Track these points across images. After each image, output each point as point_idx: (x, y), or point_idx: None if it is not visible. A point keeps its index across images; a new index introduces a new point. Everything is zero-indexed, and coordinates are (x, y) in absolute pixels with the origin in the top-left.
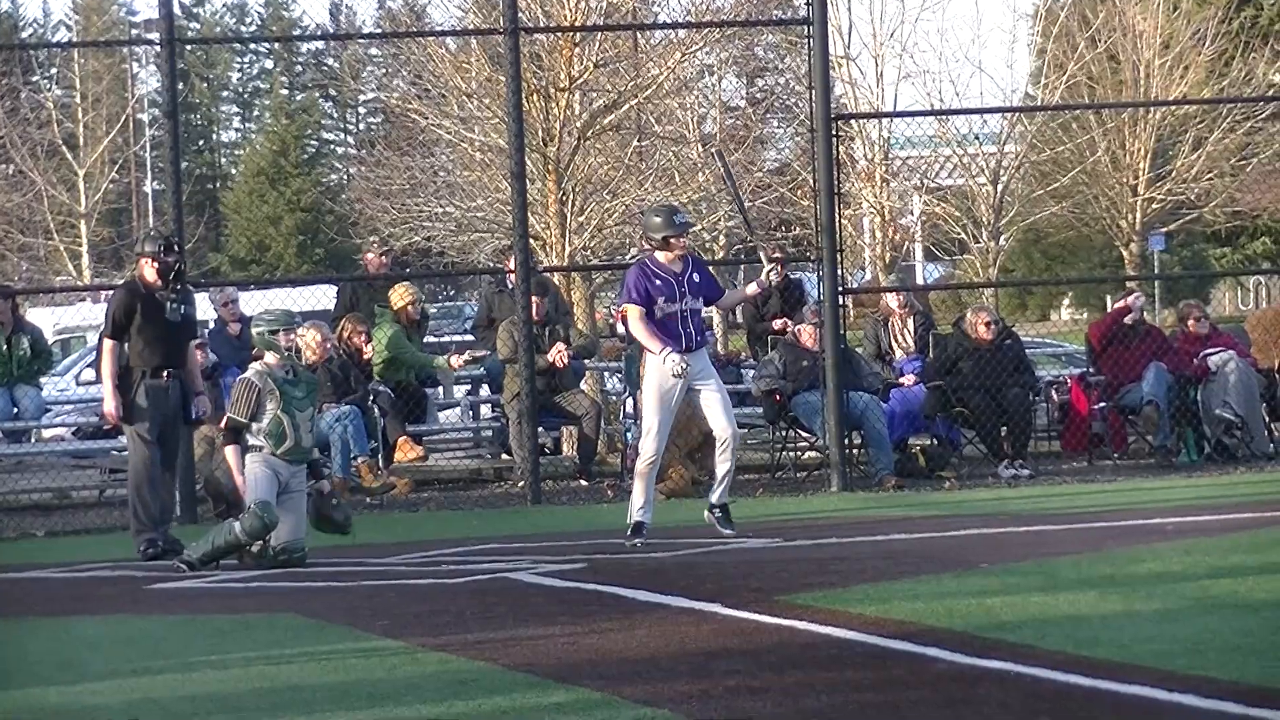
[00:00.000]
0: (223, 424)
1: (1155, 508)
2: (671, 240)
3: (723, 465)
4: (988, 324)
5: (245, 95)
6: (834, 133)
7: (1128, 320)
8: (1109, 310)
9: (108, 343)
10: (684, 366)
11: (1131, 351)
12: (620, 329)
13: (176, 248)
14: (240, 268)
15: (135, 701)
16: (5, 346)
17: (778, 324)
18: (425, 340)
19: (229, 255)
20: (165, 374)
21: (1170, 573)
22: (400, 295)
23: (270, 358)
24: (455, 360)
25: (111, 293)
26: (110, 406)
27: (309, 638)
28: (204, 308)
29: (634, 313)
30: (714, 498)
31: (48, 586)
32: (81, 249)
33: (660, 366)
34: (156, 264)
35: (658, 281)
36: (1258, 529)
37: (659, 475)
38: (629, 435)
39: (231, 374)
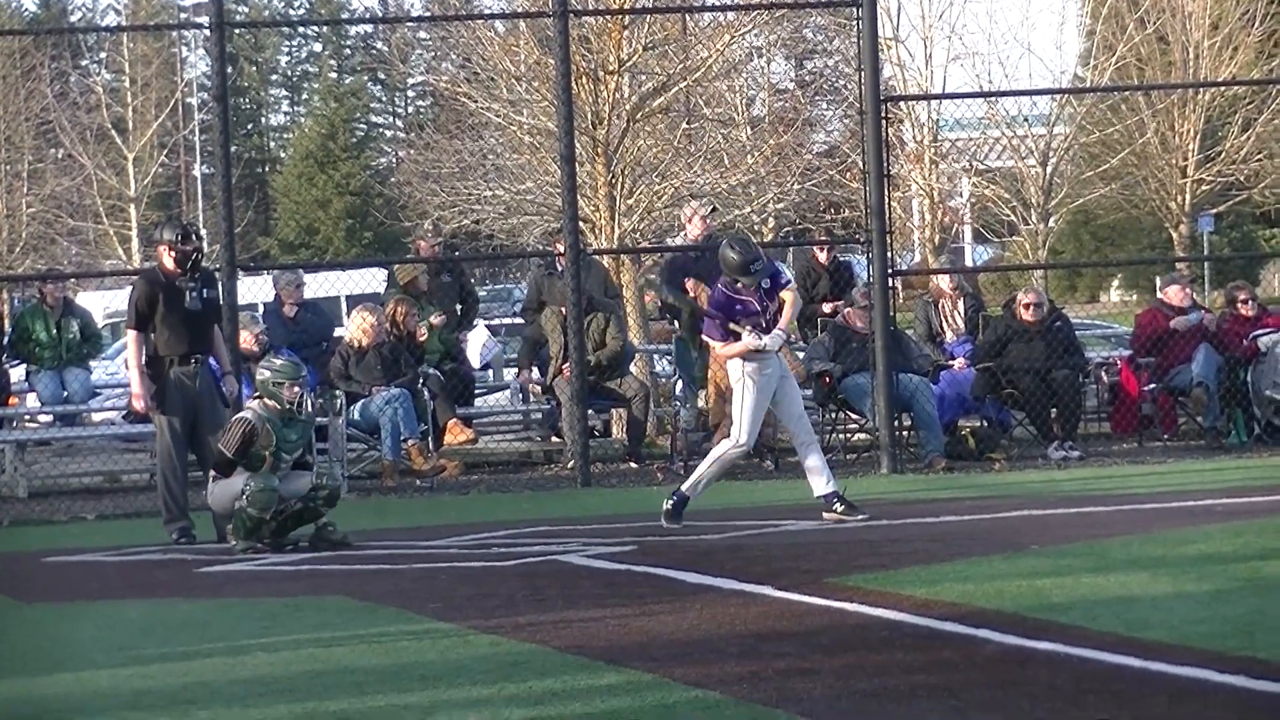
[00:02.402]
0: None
1: (1205, 489)
2: (740, 285)
3: (810, 460)
4: (1026, 305)
5: (294, 79)
6: (883, 115)
7: (1177, 303)
8: (1160, 298)
9: (132, 333)
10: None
11: (1181, 333)
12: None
13: (195, 235)
14: (289, 251)
15: (186, 684)
16: (55, 330)
17: (827, 307)
18: (474, 323)
19: (278, 239)
20: (193, 360)
21: (1220, 554)
22: (407, 271)
23: (271, 403)
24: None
25: (133, 284)
26: (139, 392)
27: (360, 620)
28: (260, 289)
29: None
30: (824, 490)
31: (98, 570)
32: (131, 233)
33: (761, 359)
34: (175, 252)
35: (738, 306)
36: None
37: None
38: (681, 415)
39: (279, 355)
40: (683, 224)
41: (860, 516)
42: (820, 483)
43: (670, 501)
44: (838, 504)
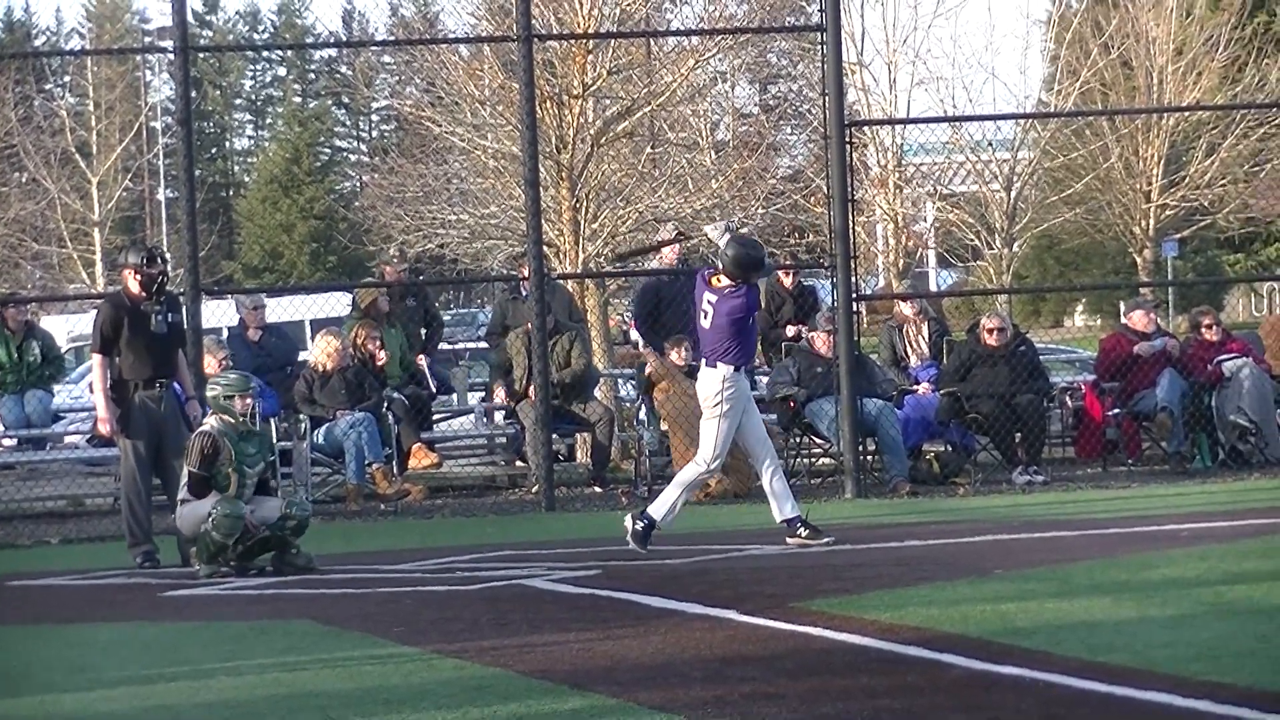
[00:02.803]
0: (183, 479)
1: (1169, 513)
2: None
3: (772, 482)
4: (990, 330)
5: (258, 103)
6: (847, 139)
7: (1141, 328)
8: (1125, 323)
9: (97, 357)
10: None
11: (1145, 358)
12: (634, 335)
13: (160, 259)
14: (253, 275)
15: (150, 708)
16: (17, 353)
17: (791, 330)
18: (440, 348)
19: (242, 263)
20: (158, 385)
21: (1184, 578)
22: (367, 293)
23: (226, 417)
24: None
25: (97, 307)
26: (104, 416)
27: (324, 644)
28: (225, 313)
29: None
30: (788, 514)
31: (62, 593)
32: (95, 257)
33: (737, 383)
34: (140, 276)
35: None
36: (1272, 534)
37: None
38: (645, 439)
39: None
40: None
41: (825, 540)
42: (785, 508)
43: (640, 524)
44: (801, 529)
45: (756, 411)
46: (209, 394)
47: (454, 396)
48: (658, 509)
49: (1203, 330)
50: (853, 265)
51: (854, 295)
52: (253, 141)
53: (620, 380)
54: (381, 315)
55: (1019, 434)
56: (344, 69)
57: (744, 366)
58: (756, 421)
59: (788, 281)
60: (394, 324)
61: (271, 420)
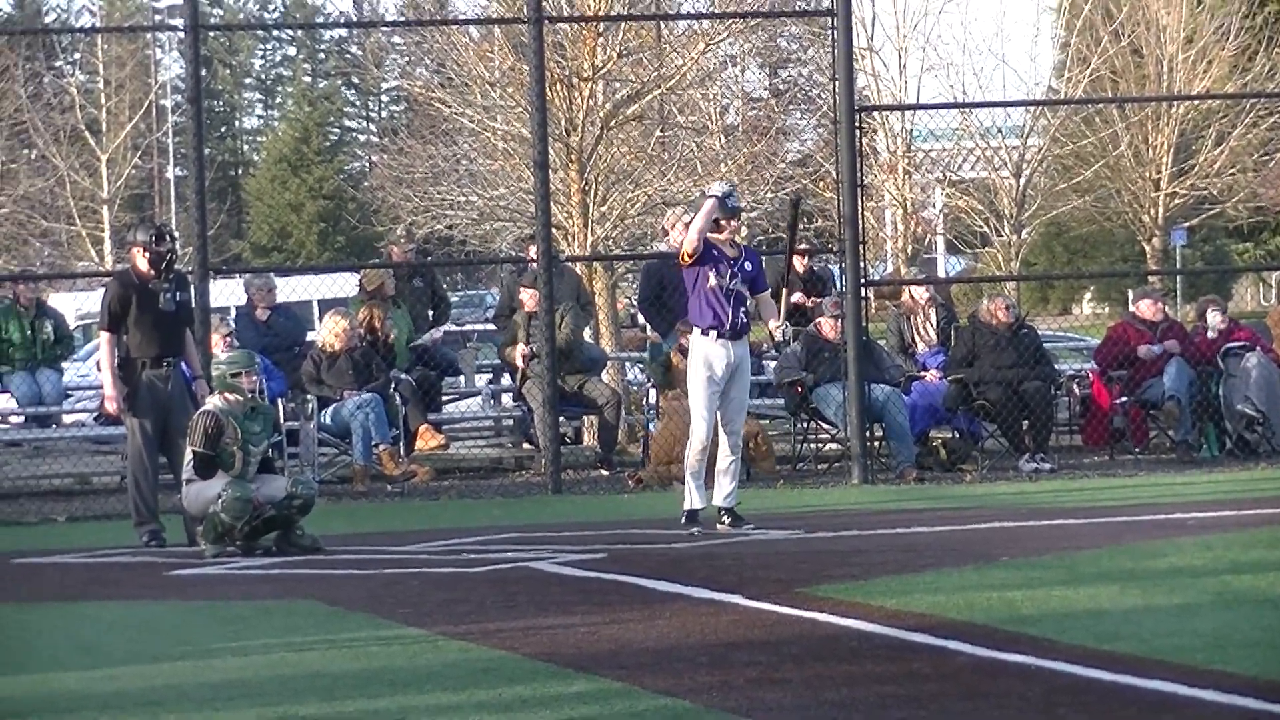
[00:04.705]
0: (188, 458)
1: (1176, 502)
2: (721, 223)
3: (725, 462)
4: (1006, 308)
5: (268, 82)
6: (857, 125)
7: (1149, 317)
8: (1133, 311)
9: (104, 335)
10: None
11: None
12: (641, 319)
13: (169, 237)
14: (262, 255)
15: (155, 687)
16: (29, 331)
17: (798, 298)
18: (447, 329)
19: (250, 242)
20: (165, 364)
21: (1191, 567)
22: (374, 277)
23: (231, 396)
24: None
25: (105, 285)
26: (111, 394)
27: (330, 625)
28: (232, 292)
29: (691, 238)
30: (719, 501)
31: (68, 571)
32: (104, 234)
33: (706, 347)
34: (148, 254)
35: (715, 251)
36: (1278, 524)
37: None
38: (651, 426)
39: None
40: (662, 231)
41: (747, 527)
42: (722, 495)
43: (683, 518)
44: (725, 519)
45: (743, 377)
46: (214, 373)
47: (461, 378)
48: (685, 503)
49: (1209, 318)
50: (861, 251)
51: (862, 281)
52: (262, 120)
53: (628, 364)
54: (387, 298)
55: (1026, 421)
56: (354, 49)
57: (706, 330)
58: (740, 386)
59: (800, 265)
60: (399, 305)
61: (279, 400)
